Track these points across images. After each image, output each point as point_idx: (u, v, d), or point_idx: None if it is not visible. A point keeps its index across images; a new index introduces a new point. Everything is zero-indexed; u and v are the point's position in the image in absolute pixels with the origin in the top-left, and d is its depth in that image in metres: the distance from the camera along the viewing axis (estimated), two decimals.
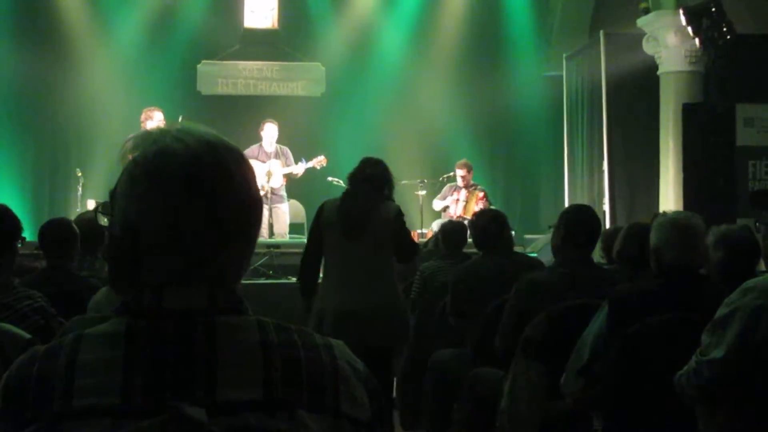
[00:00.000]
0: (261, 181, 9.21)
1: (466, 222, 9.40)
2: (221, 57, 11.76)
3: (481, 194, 9.82)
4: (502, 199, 11.70)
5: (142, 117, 8.75)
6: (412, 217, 10.24)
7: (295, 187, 9.81)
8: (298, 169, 9.23)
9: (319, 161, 9.23)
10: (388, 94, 11.82)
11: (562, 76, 11.62)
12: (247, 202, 1.17)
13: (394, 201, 4.60)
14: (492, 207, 9.85)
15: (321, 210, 4.56)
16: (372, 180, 4.50)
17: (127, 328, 1.11)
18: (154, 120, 8.70)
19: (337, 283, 4.45)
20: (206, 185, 1.13)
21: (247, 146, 9.41)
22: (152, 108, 8.87)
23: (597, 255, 5.96)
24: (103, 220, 1.20)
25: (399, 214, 4.53)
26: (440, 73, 12.06)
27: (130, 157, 1.17)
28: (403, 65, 11.97)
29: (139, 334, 1.10)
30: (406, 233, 4.64)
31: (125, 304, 1.14)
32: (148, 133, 1.17)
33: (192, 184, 1.12)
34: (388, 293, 4.47)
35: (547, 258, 6.37)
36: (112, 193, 1.17)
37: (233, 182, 1.15)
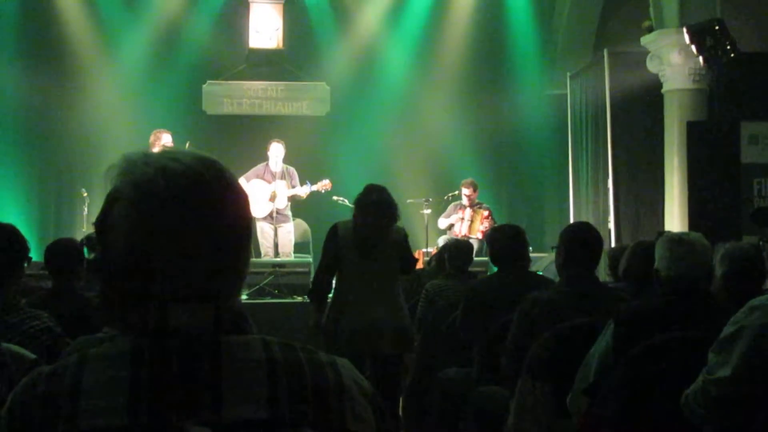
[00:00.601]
0: (266, 201, 9.22)
1: (474, 239, 9.48)
2: (226, 77, 11.81)
3: (486, 213, 9.83)
4: (507, 218, 11.67)
5: (152, 138, 8.78)
6: (417, 235, 10.26)
7: (300, 206, 9.82)
8: (303, 191, 9.25)
9: (324, 185, 9.24)
10: (393, 113, 11.85)
11: (566, 95, 11.65)
12: (246, 214, 1.20)
13: (400, 224, 5.12)
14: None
15: (336, 230, 5.01)
16: (380, 205, 4.92)
17: (132, 348, 1.11)
18: (162, 141, 8.72)
19: (353, 299, 4.90)
20: (213, 199, 1.14)
21: (252, 166, 9.42)
22: (161, 130, 8.90)
23: (603, 273, 5.96)
24: (90, 254, 1.21)
25: (406, 237, 5.11)
26: (444, 92, 12.09)
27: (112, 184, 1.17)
28: (408, 84, 12.00)
29: (145, 354, 1.11)
30: (410, 250, 5.17)
31: (130, 323, 1.14)
32: (131, 159, 1.17)
33: (200, 200, 1.13)
34: (397, 307, 4.97)
35: (551, 276, 6.37)
36: (101, 225, 1.16)
37: (234, 195, 1.17)
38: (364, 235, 4.92)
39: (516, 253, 4.61)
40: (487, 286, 4.69)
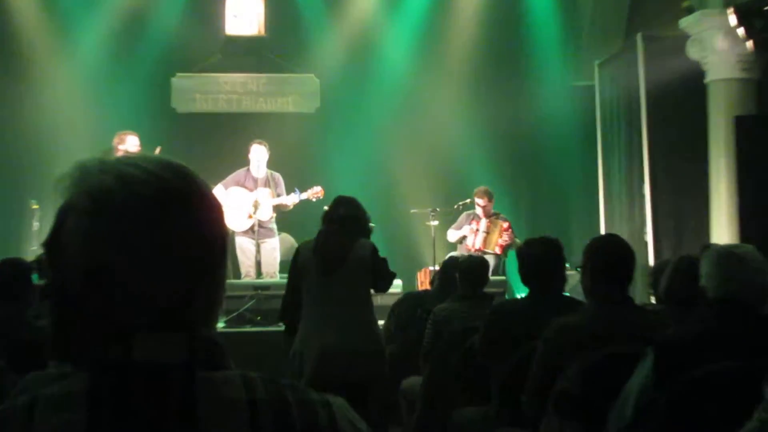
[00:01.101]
0: (247, 211, 9.22)
1: (491, 255, 9.47)
2: (199, 69, 11.83)
3: (506, 224, 9.83)
4: (527, 231, 11.66)
5: (115, 141, 8.82)
6: (422, 251, 10.27)
7: (286, 218, 9.82)
8: (290, 200, 9.26)
9: (315, 193, 9.25)
10: (393, 109, 11.88)
11: (594, 86, 11.66)
12: (221, 227, 1.20)
13: (369, 239, 5.40)
14: (517, 240, 9.86)
15: (297, 254, 5.39)
16: (346, 220, 5.27)
17: (90, 386, 1.10)
18: (127, 145, 8.74)
19: (317, 323, 5.19)
20: (180, 211, 1.14)
21: (230, 171, 9.43)
22: (127, 132, 8.93)
23: (643, 294, 5.95)
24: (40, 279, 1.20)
25: (374, 252, 5.33)
26: (453, 85, 12.11)
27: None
28: (410, 76, 12.03)
29: (105, 393, 1.10)
30: (383, 265, 5.39)
31: (87, 356, 1.13)
32: (85, 167, 1.17)
33: (166, 211, 1.13)
34: (367, 331, 5.26)
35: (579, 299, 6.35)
36: (52, 243, 1.16)
37: (206, 204, 1.18)
38: (327, 252, 5.23)
39: (553, 273, 4.53)
40: (515, 310, 4.62)
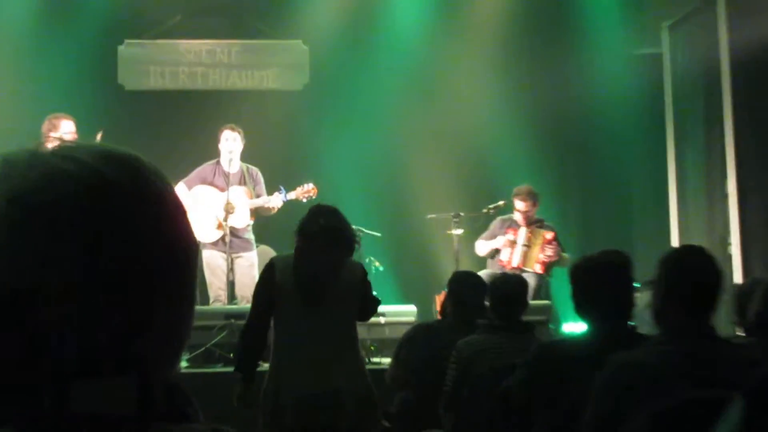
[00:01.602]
0: (216, 217, 9.23)
1: (530, 274, 9.43)
2: (153, 34, 11.85)
3: (550, 235, 9.81)
4: (578, 239, 11.64)
5: (45, 127, 8.84)
6: (442, 269, 10.26)
7: (267, 225, 9.82)
8: (274, 202, 9.28)
9: (305, 192, 9.26)
10: (404, 86, 11.91)
11: (661, 55, 11.64)
12: (182, 237, 1.19)
13: (353, 257, 5.63)
14: (564, 255, 9.85)
15: (271, 270, 5.57)
16: (330, 234, 5.42)
17: None
18: (61, 131, 8.76)
19: (296, 361, 5.40)
20: (125, 215, 1.13)
21: (195, 165, 9.44)
22: (59, 115, 8.95)
23: (725, 321, 5.92)
24: None
25: (365, 276, 5.62)
26: (482, 55, 12.10)
27: None
28: (426, 44, 12.04)
29: None
30: (370, 291, 5.68)
31: (12, 408, 1.12)
32: (11, 161, 1.17)
33: (106, 217, 1.12)
34: (355, 370, 5.51)
35: (646, 328, 6.33)
36: None
37: (160, 208, 1.17)
38: (308, 275, 5.44)
39: (618, 299, 4.44)
40: (566, 349, 4.57)
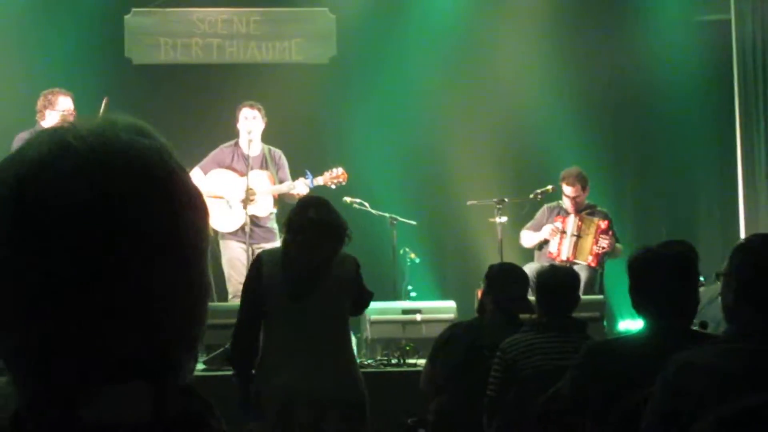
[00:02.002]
0: (237, 204, 9.22)
1: (582, 266, 9.40)
2: (164, 2, 11.84)
3: (604, 223, 9.77)
4: (634, 228, 11.63)
5: (40, 104, 8.91)
6: (484, 261, 10.23)
7: (287, 213, 9.84)
8: (299, 187, 9.30)
9: (334, 177, 9.28)
10: (440, 59, 11.91)
11: (729, 22, 11.58)
12: (199, 227, 1.19)
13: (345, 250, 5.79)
14: (618, 245, 9.81)
15: (259, 264, 5.84)
16: (320, 227, 5.63)
17: None
18: (58, 108, 8.80)
19: (284, 357, 5.62)
20: (139, 201, 1.13)
21: (210, 148, 9.45)
22: (55, 91, 9.00)
23: None
24: None
25: (358, 270, 5.82)
26: (526, 24, 12.07)
27: None
28: (464, 10, 12.03)
29: None
30: (363, 285, 5.90)
31: (17, 418, 1.13)
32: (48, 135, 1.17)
33: (111, 201, 1.12)
34: (346, 367, 5.80)
35: (713, 325, 6.30)
36: None
37: (180, 192, 1.17)
38: (296, 270, 5.66)
39: (683, 295, 4.42)
40: (623, 349, 4.54)
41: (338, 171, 9.31)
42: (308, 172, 9.30)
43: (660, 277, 4.37)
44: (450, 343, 6.62)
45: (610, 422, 4.29)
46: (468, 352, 6.36)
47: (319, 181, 9.28)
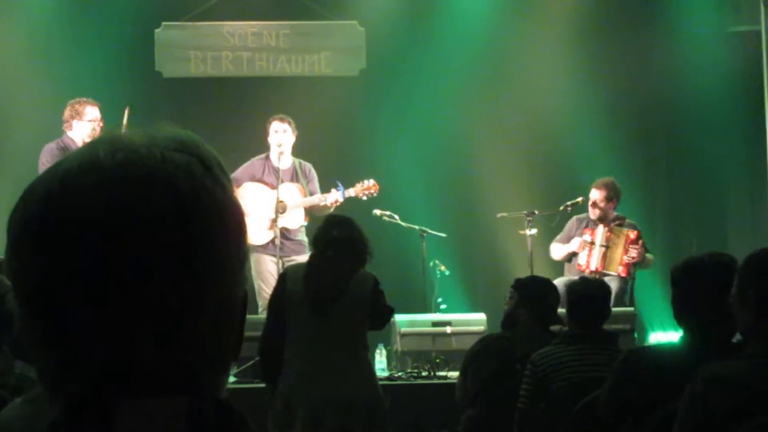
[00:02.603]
0: (267, 217, 9.21)
1: (613, 277, 9.35)
2: (194, 16, 11.87)
3: (633, 234, 9.73)
4: (665, 240, 11.59)
5: (67, 114, 8.92)
6: (514, 273, 10.21)
7: (316, 225, 9.82)
8: (331, 199, 9.29)
9: (366, 189, 9.27)
10: (469, 71, 11.89)
11: (760, 32, 11.53)
12: (240, 239, 1.19)
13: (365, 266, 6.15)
14: (648, 255, 9.78)
15: (283, 280, 6.25)
16: (341, 245, 6.00)
17: None
18: (85, 118, 8.79)
19: (306, 371, 5.98)
20: (151, 222, 1.12)
21: (241, 160, 9.45)
22: (82, 100, 9.02)
23: None
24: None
25: (376, 286, 6.14)
26: (555, 36, 12.05)
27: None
28: (493, 23, 11.99)
29: None
30: (383, 301, 6.23)
31: (53, 431, 1.13)
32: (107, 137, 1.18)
33: (125, 223, 1.11)
34: (366, 377, 6.18)
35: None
36: (10, 263, 1.16)
37: (227, 208, 1.17)
38: (319, 285, 6.03)
39: (726, 306, 4.39)
40: (661, 359, 4.53)
41: (369, 182, 9.30)
42: (340, 184, 9.28)
43: (704, 287, 4.35)
44: (482, 355, 6.62)
45: (646, 431, 4.27)
46: (500, 365, 6.36)
47: (351, 192, 9.28)
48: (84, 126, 8.94)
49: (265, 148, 9.49)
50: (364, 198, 9.25)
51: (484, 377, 6.46)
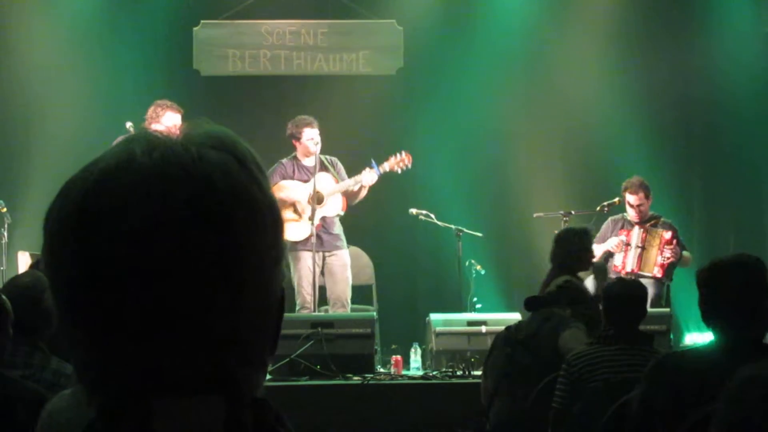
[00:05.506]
0: (303, 210, 9.15)
1: (648, 278, 9.32)
2: (232, 14, 11.90)
3: (669, 234, 9.69)
4: (702, 240, 11.54)
5: (148, 113, 8.91)
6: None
7: (356, 225, 9.83)
8: (367, 179, 9.24)
9: (399, 161, 9.26)
10: (507, 71, 11.87)
11: None
12: (279, 235, 1.20)
13: None
14: (685, 253, 9.73)
15: None
16: None
17: None
18: (162, 122, 8.77)
19: None
20: (189, 222, 1.13)
21: (279, 157, 9.51)
22: (167, 104, 9.00)
23: None
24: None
25: None
26: (595, 38, 12.03)
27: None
28: (530, 23, 11.99)
29: None
30: None
31: (92, 430, 1.15)
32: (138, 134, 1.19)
33: (163, 222, 1.12)
34: None
35: None
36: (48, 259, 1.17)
37: (267, 208, 1.18)
38: None
39: (754, 310, 4.36)
40: (693, 363, 4.50)
41: (402, 155, 9.27)
42: (373, 162, 9.26)
43: (729, 289, 4.32)
44: (492, 352, 6.66)
45: None
46: (504, 354, 6.38)
47: (386, 167, 9.27)
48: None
49: (292, 149, 9.48)
50: (399, 171, 9.24)
51: (497, 371, 6.47)
